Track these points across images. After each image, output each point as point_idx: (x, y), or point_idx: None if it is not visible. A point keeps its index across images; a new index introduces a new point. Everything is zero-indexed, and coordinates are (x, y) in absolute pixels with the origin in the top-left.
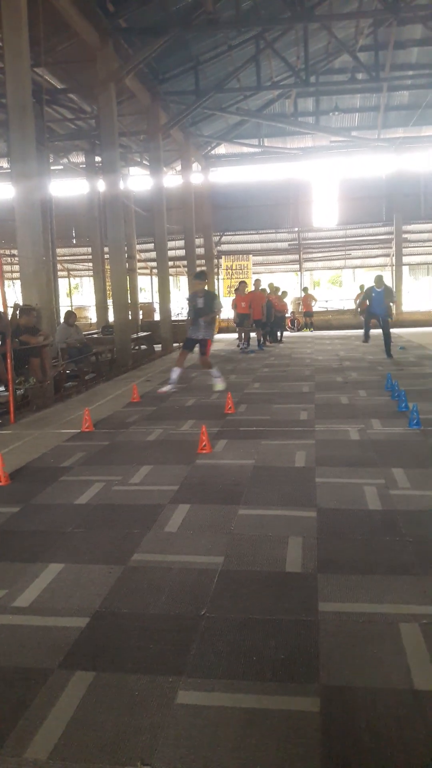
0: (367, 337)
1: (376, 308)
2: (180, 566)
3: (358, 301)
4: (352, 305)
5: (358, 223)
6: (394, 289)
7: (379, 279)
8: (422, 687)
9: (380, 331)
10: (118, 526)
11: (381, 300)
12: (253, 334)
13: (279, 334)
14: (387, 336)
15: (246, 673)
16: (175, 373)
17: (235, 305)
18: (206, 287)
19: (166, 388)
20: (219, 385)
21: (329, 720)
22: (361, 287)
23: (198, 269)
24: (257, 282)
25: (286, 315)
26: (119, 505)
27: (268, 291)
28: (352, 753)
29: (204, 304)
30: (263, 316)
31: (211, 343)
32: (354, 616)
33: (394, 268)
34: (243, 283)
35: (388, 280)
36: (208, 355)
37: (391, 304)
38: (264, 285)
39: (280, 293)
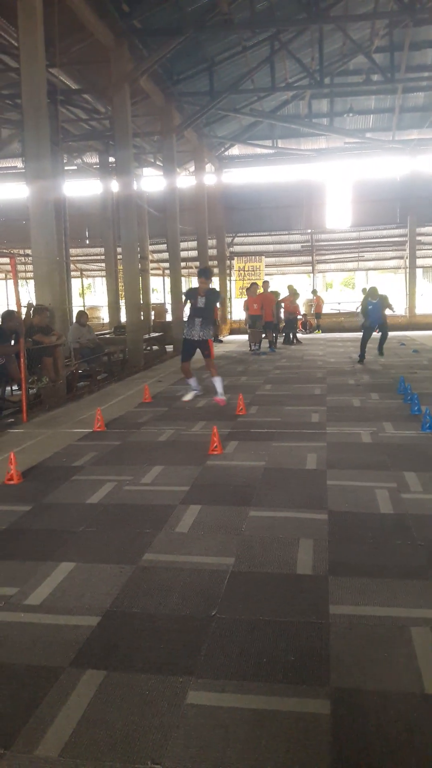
0: (362, 357)
1: (374, 320)
2: (191, 567)
3: (359, 312)
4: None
5: (371, 225)
6: (407, 292)
7: (373, 290)
8: None
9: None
10: (129, 526)
11: (378, 311)
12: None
13: (291, 335)
14: (385, 336)
15: (256, 674)
16: (192, 381)
17: (246, 307)
18: (211, 286)
19: (189, 396)
20: (188, 395)
21: (339, 722)
22: (364, 290)
23: (200, 267)
24: (266, 284)
25: (298, 317)
26: (130, 505)
27: (288, 293)
28: (362, 756)
29: (205, 305)
30: (274, 317)
31: (212, 342)
32: (365, 619)
33: (407, 270)
34: (254, 285)
35: (402, 283)
36: (213, 356)
37: (391, 311)
38: (273, 287)
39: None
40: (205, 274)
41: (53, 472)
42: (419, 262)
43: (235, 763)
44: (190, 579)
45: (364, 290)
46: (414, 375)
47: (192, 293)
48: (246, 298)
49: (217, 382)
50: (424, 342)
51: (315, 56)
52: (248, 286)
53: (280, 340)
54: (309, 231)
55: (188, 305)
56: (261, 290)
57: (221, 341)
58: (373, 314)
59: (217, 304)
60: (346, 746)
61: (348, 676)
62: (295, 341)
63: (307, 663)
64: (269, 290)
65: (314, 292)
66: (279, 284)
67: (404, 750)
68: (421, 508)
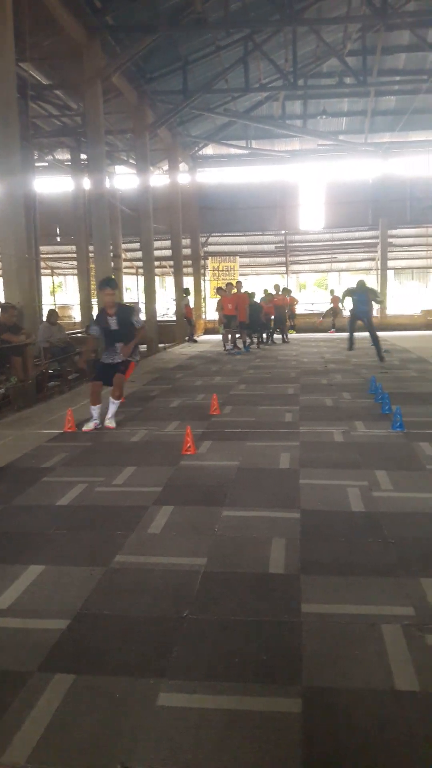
0: (351, 344)
1: (360, 312)
2: (163, 568)
3: (340, 303)
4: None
5: (344, 227)
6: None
7: (360, 283)
8: (403, 688)
9: (366, 334)
10: (100, 527)
11: (364, 304)
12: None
13: (266, 336)
14: (375, 339)
15: (228, 674)
16: (96, 410)
17: (221, 307)
18: (120, 300)
19: (90, 426)
20: (89, 424)
21: (311, 721)
22: (332, 291)
23: (102, 278)
24: (239, 284)
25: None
26: (102, 506)
27: (274, 293)
28: (333, 754)
29: (119, 325)
30: (247, 317)
31: (134, 365)
32: (336, 617)
33: (379, 272)
34: (229, 285)
35: (373, 284)
36: (127, 377)
37: (376, 304)
38: (248, 287)
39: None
40: (109, 284)
41: (23, 474)
42: (390, 263)
43: (206, 765)
44: (162, 580)
45: (332, 291)
46: (385, 375)
47: (101, 318)
48: (219, 299)
49: (113, 406)
50: (395, 342)
51: (289, 58)
52: (222, 286)
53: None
54: (283, 232)
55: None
56: (235, 290)
57: (196, 341)
58: (359, 306)
59: (190, 304)
60: (317, 744)
61: (319, 675)
62: (269, 341)
63: (278, 662)
64: (243, 290)
65: (288, 292)
66: (253, 285)
67: (375, 747)
68: (392, 506)
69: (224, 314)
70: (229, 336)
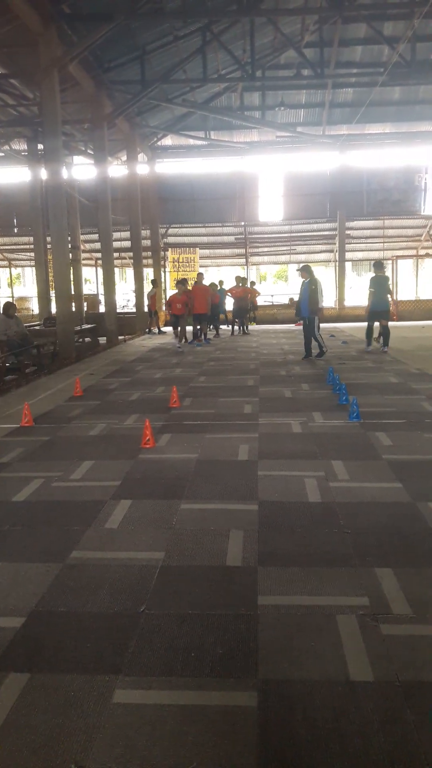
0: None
1: (303, 308)
2: (120, 563)
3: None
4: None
5: (302, 219)
6: (337, 285)
7: (306, 268)
8: (358, 678)
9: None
10: (57, 523)
11: (305, 296)
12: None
13: (239, 325)
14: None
15: (184, 669)
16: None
17: (169, 304)
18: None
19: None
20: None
21: (266, 714)
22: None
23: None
24: (200, 276)
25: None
26: (59, 501)
27: (239, 284)
28: (289, 746)
29: None
30: (208, 309)
31: None
32: (293, 608)
33: (337, 263)
34: (184, 281)
35: (332, 276)
36: None
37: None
38: (208, 279)
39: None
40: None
41: None
42: (348, 255)
43: (162, 761)
44: (119, 575)
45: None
46: (343, 366)
47: None
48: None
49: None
50: (352, 333)
51: (247, 49)
52: (180, 280)
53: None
54: (243, 223)
55: None
56: (190, 285)
57: (163, 332)
58: (302, 299)
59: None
60: (273, 737)
61: (275, 667)
62: (242, 331)
63: (235, 655)
64: (204, 282)
65: (251, 283)
66: (214, 276)
67: (330, 737)
68: (348, 496)
69: (171, 313)
70: (180, 332)
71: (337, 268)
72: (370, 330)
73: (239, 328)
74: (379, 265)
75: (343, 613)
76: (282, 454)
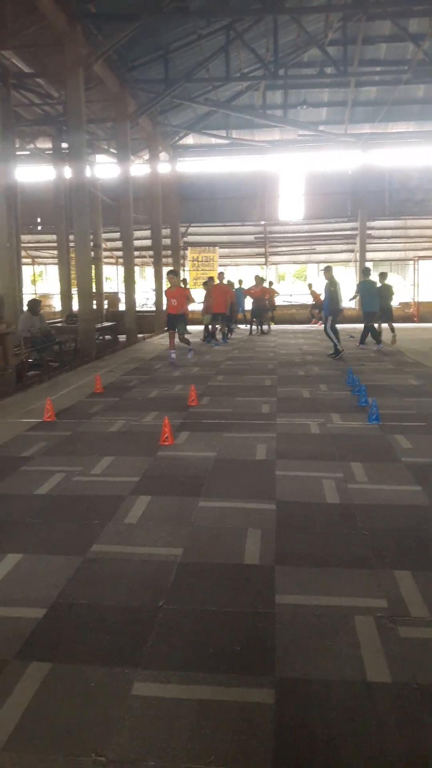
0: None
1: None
2: (139, 558)
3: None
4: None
5: (323, 218)
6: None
7: (326, 269)
8: (375, 679)
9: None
10: (77, 517)
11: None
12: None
13: (258, 325)
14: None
15: (202, 664)
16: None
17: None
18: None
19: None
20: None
21: (283, 711)
22: (309, 285)
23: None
24: (221, 275)
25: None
26: (79, 496)
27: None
28: (305, 744)
29: None
30: (227, 309)
31: None
32: (310, 608)
33: (358, 263)
34: (173, 274)
35: (352, 276)
36: None
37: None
38: (229, 278)
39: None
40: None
41: (1, 463)
42: (369, 255)
43: (179, 754)
44: (137, 570)
45: (309, 285)
46: (362, 367)
47: None
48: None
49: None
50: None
51: (270, 47)
52: (207, 279)
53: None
54: (262, 222)
55: None
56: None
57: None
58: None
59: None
60: (289, 734)
61: (292, 666)
62: (260, 331)
63: (252, 653)
64: (224, 281)
65: (269, 283)
66: (233, 275)
67: (346, 737)
68: (367, 498)
69: (168, 312)
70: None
71: (358, 268)
72: (374, 330)
73: (257, 327)
74: (366, 271)
75: (361, 614)
76: (300, 454)
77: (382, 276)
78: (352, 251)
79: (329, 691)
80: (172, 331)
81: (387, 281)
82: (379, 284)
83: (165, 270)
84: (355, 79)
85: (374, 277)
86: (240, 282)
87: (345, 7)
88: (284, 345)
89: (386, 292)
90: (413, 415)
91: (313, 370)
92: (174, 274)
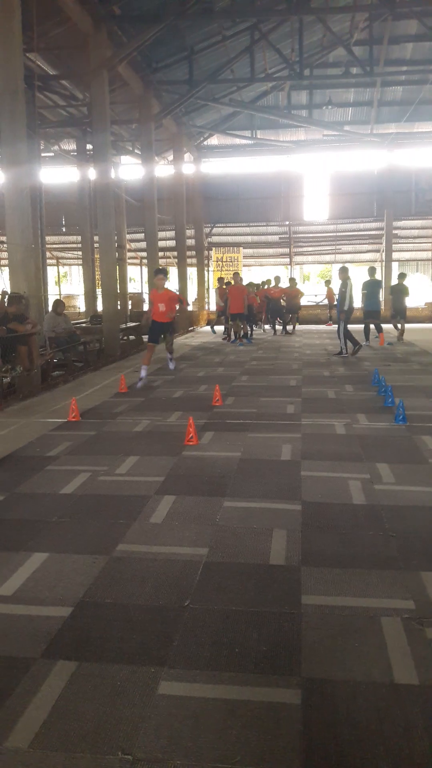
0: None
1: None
2: (164, 557)
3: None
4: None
5: (348, 218)
6: (383, 286)
7: (342, 269)
8: (402, 681)
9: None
10: (103, 516)
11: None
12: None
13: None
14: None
15: (228, 664)
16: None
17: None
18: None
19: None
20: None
21: (310, 712)
22: (327, 283)
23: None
24: (236, 275)
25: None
26: (105, 495)
27: (273, 284)
28: (333, 745)
29: None
30: (245, 309)
31: None
32: (336, 609)
33: (383, 264)
34: (162, 274)
35: (378, 276)
36: None
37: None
38: (252, 278)
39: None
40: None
41: (27, 462)
42: (395, 255)
43: (206, 753)
44: (163, 569)
45: (327, 282)
46: (388, 368)
47: None
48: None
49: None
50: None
51: (295, 47)
52: (225, 277)
53: (278, 328)
54: (287, 223)
55: None
56: (232, 282)
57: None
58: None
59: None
60: (316, 735)
61: (319, 666)
62: (285, 331)
63: (278, 653)
64: (242, 282)
65: (293, 282)
66: (257, 275)
67: (373, 738)
68: (393, 499)
69: (153, 319)
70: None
71: (384, 268)
72: (366, 328)
73: (282, 327)
74: (372, 270)
75: (388, 616)
76: (325, 455)
77: (401, 276)
78: (378, 251)
79: (356, 692)
80: (151, 344)
81: (404, 282)
82: (396, 283)
83: (189, 270)
84: (381, 79)
85: (378, 276)
86: (267, 282)
87: (371, 7)
88: (309, 345)
89: (401, 291)
90: None
91: (338, 370)
92: (163, 273)
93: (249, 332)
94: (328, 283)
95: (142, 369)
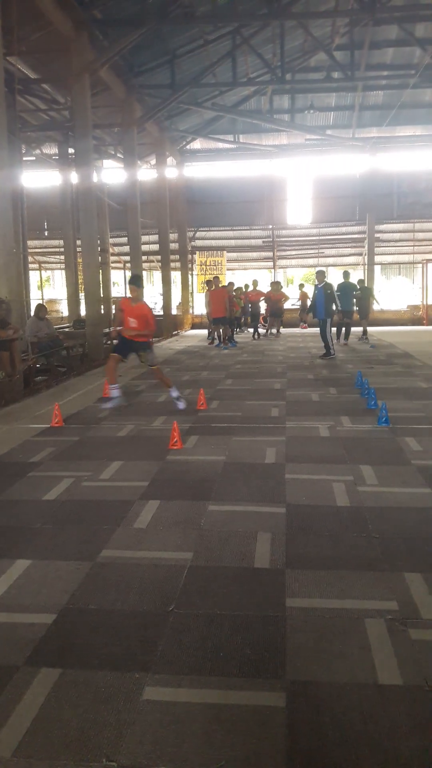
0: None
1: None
2: (149, 562)
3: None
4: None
5: (331, 222)
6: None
7: (319, 272)
8: (386, 682)
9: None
10: (87, 522)
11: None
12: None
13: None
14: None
15: (213, 668)
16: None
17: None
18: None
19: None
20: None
21: (294, 715)
22: (300, 286)
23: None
24: (216, 279)
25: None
26: (89, 501)
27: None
28: (317, 747)
29: None
30: (227, 312)
31: None
32: (320, 611)
33: (366, 267)
34: (136, 285)
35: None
36: None
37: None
38: (237, 282)
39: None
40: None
41: (9, 468)
42: (377, 258)
43: (191, 758)
44: (147, 574)
45: (301, 285)
46: (371, 370)
47: None
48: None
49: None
50: (381, 337)
51: (276, 52)
52: (211, 279)
53: (261, 331)
54: (270, 226)
55: None
56: (213, 287)
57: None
58: (317, 302)
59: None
60: (301, 738)
61: (303, 669)
62: (265, 334)
63: (263, 656)
64: (220, 286)
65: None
66: (240, 279)
67: (359, 740)
68: (377, 501)
69: (122, 335)
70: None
71: (366, 271)
72: (339, 327)
73: (266, 331)
74: (346, 273)
75: (372, 617)
76: (310, 457)
77: (345, 275)
78: (360, 254)
79: (341, 693)
80: (115, 355)
81: (367, 284)
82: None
83: (173, 274)
84: (362, 84)
85: (352, 279)
86: (255, 283)
87: (352, 12)
88: (293, 348)
89: (366, 293)
90: (423, 418)
91: (322, 373)
92: (135, 284)
93: (230, 336)
94: (301, 286)
95: (110, 389)
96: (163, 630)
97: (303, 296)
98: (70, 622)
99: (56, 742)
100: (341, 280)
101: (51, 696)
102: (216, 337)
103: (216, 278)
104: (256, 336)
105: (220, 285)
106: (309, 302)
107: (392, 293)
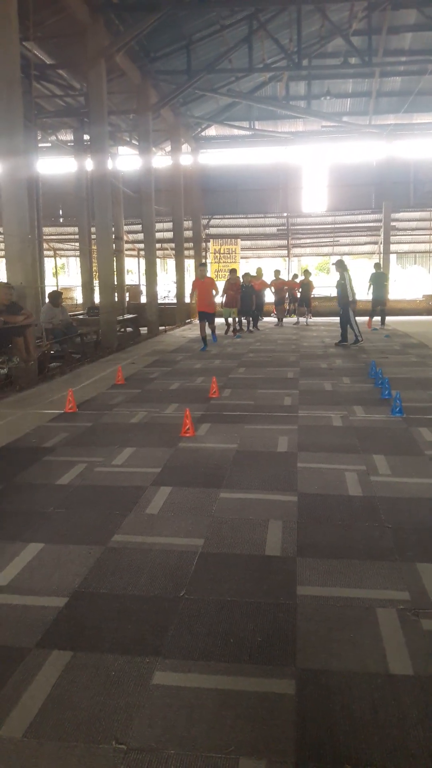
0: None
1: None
2: (160, 548)
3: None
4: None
5: (347, 210)
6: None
7: (338, 263)
8: (397, 671)
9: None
10: (99, 507)
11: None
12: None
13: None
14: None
15: (223, 654)
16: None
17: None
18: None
19: None
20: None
21: (304, 702)
22: (294, 276)
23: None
24: (202, 268)
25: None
26: (101, 486)
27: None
28: (327, 735)
29: None
30: (213, 307)
31: None
32: (332, 600)
33: (381, 255)
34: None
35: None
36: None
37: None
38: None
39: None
40: None
41: (23, 453)
42: (393, 247)
43: (200, 743)
44: (159, 560)
45: (294, 276)
46: (385, 360)
47: None
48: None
49: None
50: (396, 327)
51: (293, 37)
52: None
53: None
54: (285, 214)
55: None
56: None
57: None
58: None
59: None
60: (310, 725)
61: (314, 657)
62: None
63: (273, 643)
64: (207, 275)
65: (295, 276)
66: (254, 267)
67: (368, 729)
68: (390, 491)
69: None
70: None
71: (381, 260)
72: (372, 315)
73: (247, 322)
74: (377, 265)
75: (383, 607)
76: (322, 446)
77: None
78: (375, 243)
79: (351, 682)
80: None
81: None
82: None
83: (187, 262)
84: (379, 70)
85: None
86: (277, 273)
87: None
88: (306, 337)
89: (381, 279)
90: None
91: (335, 362)
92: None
93: (241, 326)
94: (295, 276)
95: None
96: (174, 615)
97: (291, 284)
98: (82, 606)
99: (67, 723)
100: (373, 270)
101: (62, 678)
102: (232, 325)
103: (203, 265)
104: (250, 328)
105: (208, 275)
106: (297, 293)
107: (408, 282)
